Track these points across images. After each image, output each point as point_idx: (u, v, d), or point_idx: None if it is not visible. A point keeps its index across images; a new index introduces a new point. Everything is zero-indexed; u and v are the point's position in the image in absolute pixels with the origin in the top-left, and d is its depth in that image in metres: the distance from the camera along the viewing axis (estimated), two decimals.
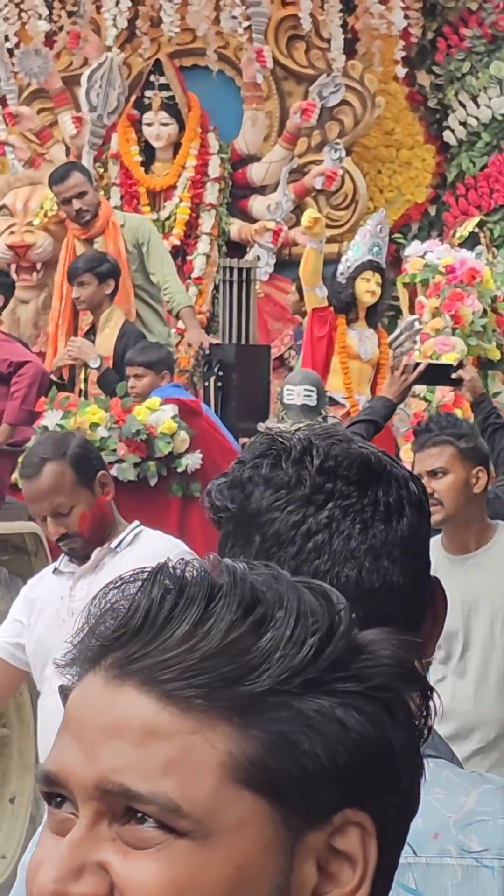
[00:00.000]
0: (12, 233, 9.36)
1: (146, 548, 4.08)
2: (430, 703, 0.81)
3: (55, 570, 4.17)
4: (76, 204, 8.59)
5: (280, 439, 1.42)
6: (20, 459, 6.78)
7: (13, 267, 9.35)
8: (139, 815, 0.76)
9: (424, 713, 0.82)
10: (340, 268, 8.69)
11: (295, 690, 0.79)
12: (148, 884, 0.76)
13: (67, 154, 10.17)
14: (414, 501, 1.40)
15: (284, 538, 1.35)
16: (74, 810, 0.78)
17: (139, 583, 0.81)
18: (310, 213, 8.94)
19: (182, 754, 0.77)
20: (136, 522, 4.21)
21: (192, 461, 7.38)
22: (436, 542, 4.69)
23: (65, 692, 0.84)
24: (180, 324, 9.14)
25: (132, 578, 0.82)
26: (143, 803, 0.76)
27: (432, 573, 1.53)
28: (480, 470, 4.54)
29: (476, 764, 4.45)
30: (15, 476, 6.56)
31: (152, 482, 7.40)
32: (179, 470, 7.40)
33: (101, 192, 9.85)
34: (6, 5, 10.10)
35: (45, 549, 7.02)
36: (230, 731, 0.78)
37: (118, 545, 4.05)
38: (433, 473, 4.56)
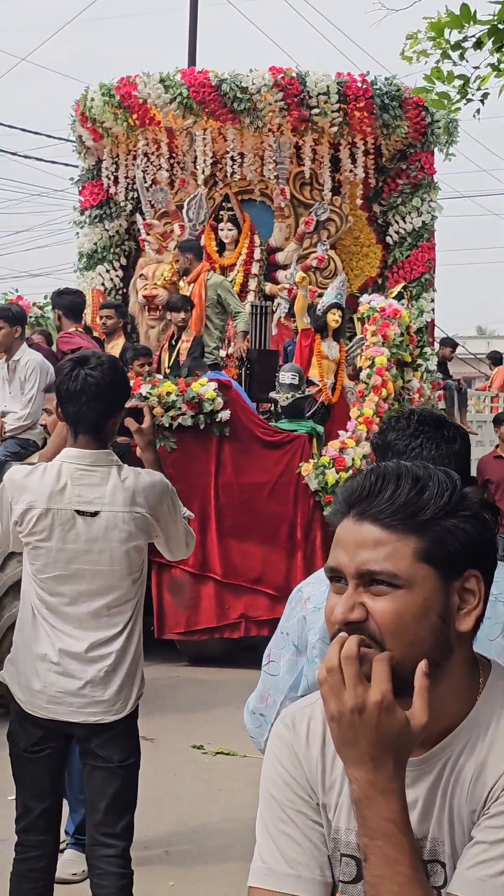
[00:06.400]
0: (145, 288, 11.57)
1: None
2: (498, 518, 1.10)
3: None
4: (182, 264, 10.85)
5: (401, 412, 2.14)
6: None
7: (145, 308, 11.46)
8: (377, 581, 1.19)
9: (496, 525, 1.16)
10: (318, 307, 10.57)
11: (441, 517, 1.21)
12: (386, 610, 1.20)
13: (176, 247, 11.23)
14: (462, 435, 2.14)
15: (402, 453, 2.11)
16: (345, 584, 1.22)
17: (363, 474, 1.24)
18: (298, 275, 10.93)
19: (393, 550, 1.21)
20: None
21: (224, 415, 8.66)
22: None
23: (328, 521, 1.21)
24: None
25: (359, 474, 1.20)
26: (379, 574, 1.19)
27: None
28: None
29: None
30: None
31: (201, 427, 8.59)
32: (217, 420, 8.64)
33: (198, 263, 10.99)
34: (146, 164, 12.03)
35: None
36: (415, 538, 1.21)
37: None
38: None
